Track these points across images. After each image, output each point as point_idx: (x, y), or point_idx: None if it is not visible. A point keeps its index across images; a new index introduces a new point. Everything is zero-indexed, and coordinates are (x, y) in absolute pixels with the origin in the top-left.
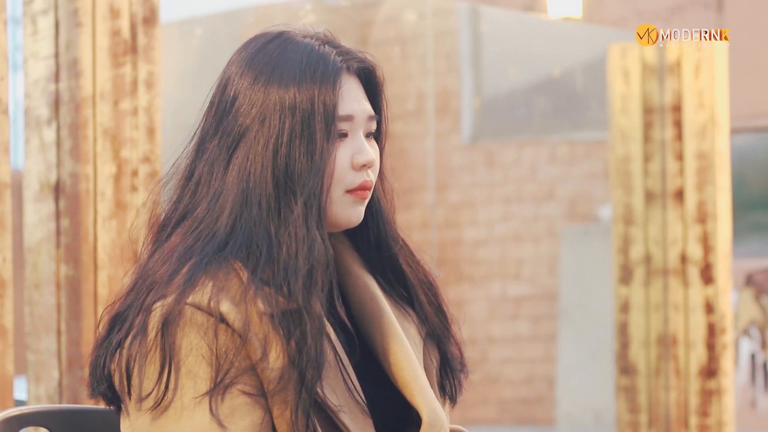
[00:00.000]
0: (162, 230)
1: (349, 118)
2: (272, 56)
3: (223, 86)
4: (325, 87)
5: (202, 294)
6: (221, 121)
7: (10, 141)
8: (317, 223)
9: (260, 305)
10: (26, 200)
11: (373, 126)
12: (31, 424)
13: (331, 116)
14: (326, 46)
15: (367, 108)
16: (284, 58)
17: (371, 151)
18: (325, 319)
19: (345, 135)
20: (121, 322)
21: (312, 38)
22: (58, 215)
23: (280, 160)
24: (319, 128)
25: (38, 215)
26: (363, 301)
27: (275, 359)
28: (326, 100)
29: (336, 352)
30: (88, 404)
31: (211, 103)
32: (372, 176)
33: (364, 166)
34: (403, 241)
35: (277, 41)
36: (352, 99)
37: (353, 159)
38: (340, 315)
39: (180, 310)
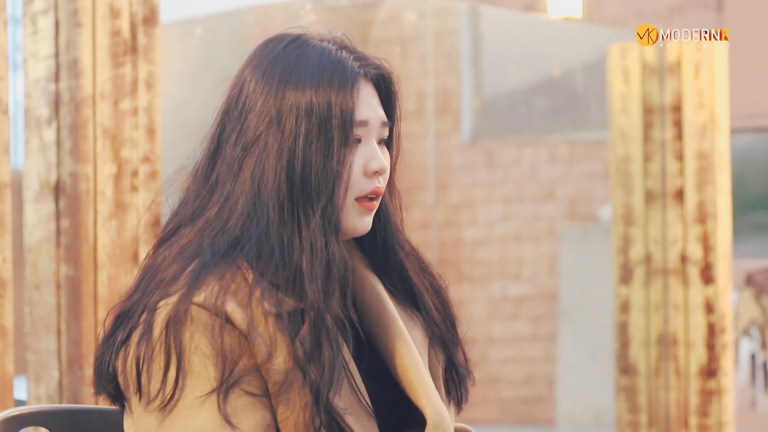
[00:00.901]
0: (170, 230)
1: (364, 123)
2: (289, 59)
3: (238, 88)
4: (342, 92)
5: (208, 293)
6: (235, 124)
7: (10, 141)
8: (335, 231)
9: (266, 306)
10: (26, 200)
11: (386, 133)
12: (31, 424)
13: (348, 121)
14: (343, 51)
15: (381, 114)
16: (301, 62)
17: (383, 158)
18: (340, 326)
19: (359, 141)
20: (126, 320)
21: (329, 42)
22: (58, 215)
23: (295, 164)
24: (336, 133)
25: (38, 215)
26: (369, 302)
27: (280, 360)
28: (344, 104)
29: (342, 355)
30: (88, 404)
31: (226, 105)
32: (382, 183)
33: (376, 173)
34: (410, 247)
35: (294, 44)
36: (368, 105)
37: (366, 165)
38: (350, 317)
39: (185, 310)
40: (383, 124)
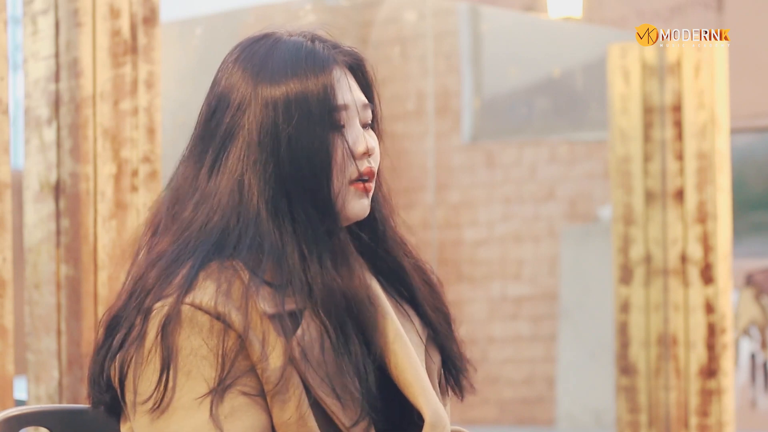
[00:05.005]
0: (154, 234)
1: (344, 107)
2: (261, 56)
3: (213, 89)
4: (318, 79)
5: (202, 294)
6: (211, 124)
7: (10, 141)
8: (335, 218)
9: (261, 305)
10: (26, 200)
11: (369, 115)
12: (31, 424)
13: (326, 108)
14: (315, 41)
15: (361, 97)
16: (273, 57)
17: (370, 139)
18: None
19: (342, 126)
20: (119, 326)
21: (300, 36)
22: (58, 215)
23: (282, 158)
24: (316, 122)
25: (38, 215)
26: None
27: (275, 360)
28: (321, 91)
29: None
30: (88, 404)
31: (203, 106)
32: (374, 164)
33: (364, 154)
34: (401, 238)
35: (264, 41)
36: (345, 90)
37: (353, 148)
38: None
39: (180, 311)
40: (365, 106)
